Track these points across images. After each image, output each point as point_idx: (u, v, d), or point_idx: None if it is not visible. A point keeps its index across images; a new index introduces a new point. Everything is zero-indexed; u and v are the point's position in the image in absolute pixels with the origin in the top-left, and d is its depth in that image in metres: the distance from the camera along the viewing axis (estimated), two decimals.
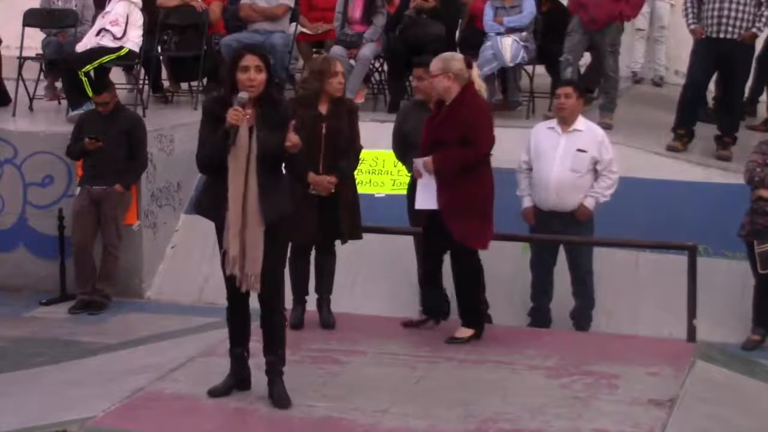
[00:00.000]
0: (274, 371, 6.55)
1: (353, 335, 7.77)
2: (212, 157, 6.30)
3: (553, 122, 9.15)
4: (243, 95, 6.22)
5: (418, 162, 7.61)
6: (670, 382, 6.89)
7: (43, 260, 10.41)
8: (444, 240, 7.60)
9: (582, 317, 9.11)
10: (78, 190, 10.09)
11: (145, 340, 8.56)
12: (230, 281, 6.43)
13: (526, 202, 9.07)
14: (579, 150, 8.88)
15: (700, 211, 9.77)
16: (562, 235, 8.92)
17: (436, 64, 7.64)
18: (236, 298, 6.49)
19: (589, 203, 8.89)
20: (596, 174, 8.90)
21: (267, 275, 6.36)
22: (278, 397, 6.50)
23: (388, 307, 7.98)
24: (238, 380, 6.69)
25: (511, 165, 9.11)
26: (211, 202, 6.43)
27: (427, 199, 7.59)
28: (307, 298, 7.94)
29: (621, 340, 8.15)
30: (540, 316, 9.10)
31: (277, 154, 6.29)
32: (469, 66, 7.61)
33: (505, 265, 9.35)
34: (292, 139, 6.23)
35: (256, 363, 6.68)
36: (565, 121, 9.00)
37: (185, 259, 10.55)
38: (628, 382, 6.88)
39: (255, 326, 6.66)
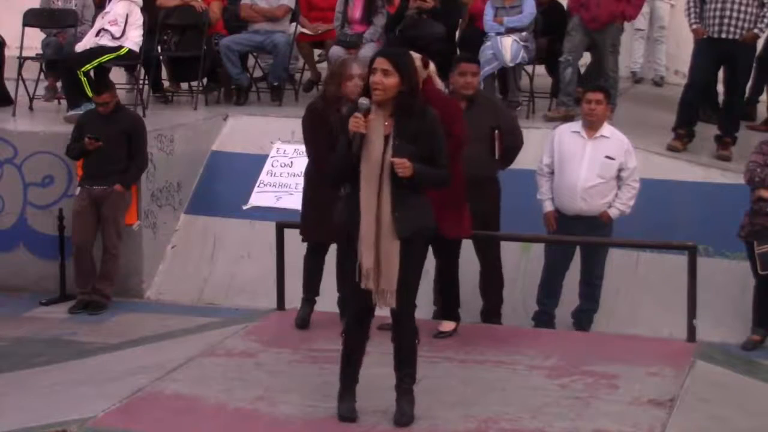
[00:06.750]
0: (400, 389, 6.22)
1: None
2: (336, 167, 6.07)
3: (577, 125, 9.02)
4: (364, 101, 5.97)
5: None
6: (670, 382, 6.87)
7: (43, 260, 10.41)
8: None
9: (584, 318, 9.08)
10: (78, 190, 10.09)
11: (145, 340, 8.55)
12: (358, 296, 6.07)
13: (548, 206, 8.94)
14: (607, 157, 8.81)
15: (700, 211, 9.76)
16: (567, 236, 8.90)
17: None
18: (361, 315, 6.14)
19: (614, 214, 8.82)
20: (619, 179, 8.85)
21: (401, 290, 6.01)
22: (398, 414, 6.19)
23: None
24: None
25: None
26: (347, 214, 6.06)
27: None
28: (317, 298, 7.91)
29: (621, 340, 8.13)
30: (545, 320, 9.02)
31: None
32: (426, 65, 7.67)
33: (504, 266, 9.33)
34: (401, 163, 5.95)
35: (256, 362, 6.68)
36: (592, 127, 8.88)
37: (185, 259, 10.55)
38: (628, 382, 6.87)
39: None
